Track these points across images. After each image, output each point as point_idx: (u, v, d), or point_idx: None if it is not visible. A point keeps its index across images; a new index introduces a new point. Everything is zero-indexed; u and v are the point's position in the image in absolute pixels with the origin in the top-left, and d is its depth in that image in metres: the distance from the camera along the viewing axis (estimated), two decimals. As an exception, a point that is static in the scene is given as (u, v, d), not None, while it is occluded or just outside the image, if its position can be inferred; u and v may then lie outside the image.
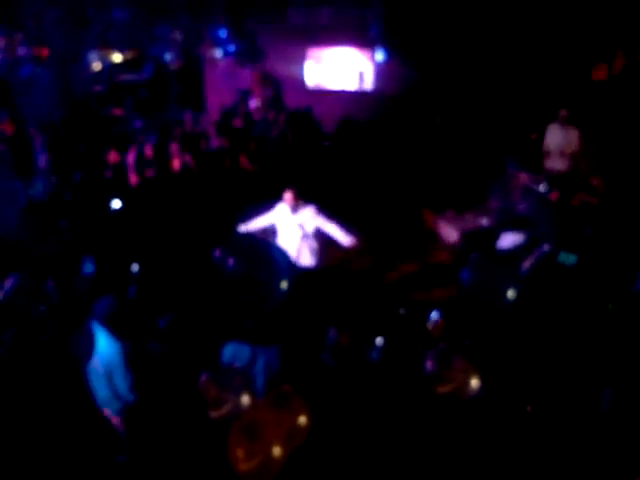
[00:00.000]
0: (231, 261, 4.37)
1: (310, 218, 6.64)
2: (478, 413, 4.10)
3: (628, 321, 5.36)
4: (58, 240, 6.61)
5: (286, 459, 3.81)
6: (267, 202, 6.83)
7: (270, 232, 6.81)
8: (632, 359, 4.73)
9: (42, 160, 9.04)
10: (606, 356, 4.94)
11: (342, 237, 6.46)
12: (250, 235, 6.68)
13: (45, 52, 12.58)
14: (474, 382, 3.91)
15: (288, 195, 6.61)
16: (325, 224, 6.57)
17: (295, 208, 6.62)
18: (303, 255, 6.67)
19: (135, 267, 6.58)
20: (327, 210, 6.80)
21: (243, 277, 4.34)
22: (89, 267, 6.39)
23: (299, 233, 6.64)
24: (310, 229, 6.66)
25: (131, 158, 9.44)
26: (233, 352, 4.90)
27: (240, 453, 3.69)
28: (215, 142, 10.37)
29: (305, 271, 6.58)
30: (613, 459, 3.86)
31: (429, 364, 4.02)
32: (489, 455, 4.16)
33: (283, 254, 4.65)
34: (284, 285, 4.24)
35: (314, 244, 6.75)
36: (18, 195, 7.96)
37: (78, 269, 6.39)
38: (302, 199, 6.67)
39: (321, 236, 6.68)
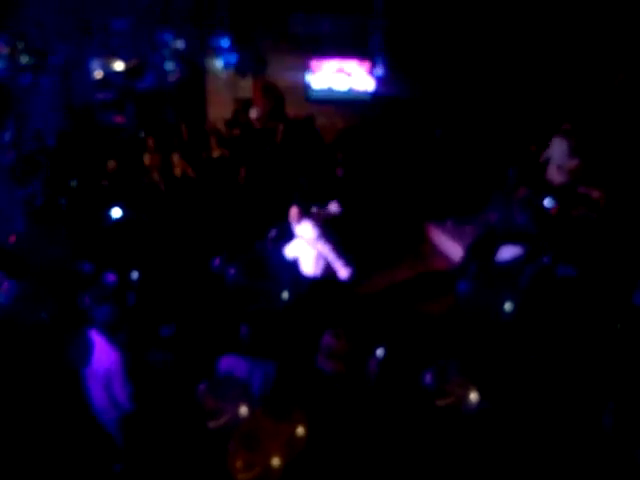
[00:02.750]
0: (232, 271, 4.38)
1: (310, 231, 6.83)
2: (477, 427, 4.09)
3: (629, 335, 5.36)
4: (59, 247, 6.62)
5: (284, 469, 3.81)
6: (268, 213, 6.92)
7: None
8: (634, 374, 4.73)
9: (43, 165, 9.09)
10: (607, 371, 4.93)
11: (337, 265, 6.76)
12: (251, 245, 6.72)
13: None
14: (473, 396, 3.91)
15: (293, 211, 6.88)
16: (321, 245, 6.80)
17: (298, 222, 6.86)
18: (307, 264, 6.82)
19: (135, 275, 6.58)
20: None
21: (244, 287, 4.36)
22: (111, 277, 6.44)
23: (304, 244, 6.84)
24: (311, 241, 6.84)
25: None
26: (231, 363, 4.89)
27: (239, 463, 3.68)
28: (215, 152, 10.37)
29: (308, 280, 6.67)
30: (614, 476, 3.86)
31: (428, 377, 4.02)
32: (488, 469, 4.15)
33: (284, 264, 4.66)
34: (285, 296, 4.25)
35: (318, 254, 6.88)
36: (19, 203, 7.98)
37: (79, 276, 6.39)
38: (305, 214, 6.91)
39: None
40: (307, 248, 6.82)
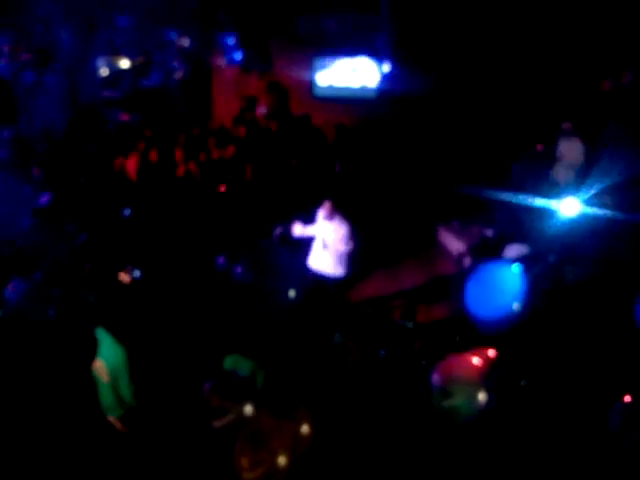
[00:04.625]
0: (239, 269, 4.37)
1: (337, 227, 6.54)
2: (484, 426, 4.09)
3: (634, 336, 5.34)
4: (66, 245, 6.63)
5: (290, 467, 3.81)
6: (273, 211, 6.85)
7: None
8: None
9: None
10: (613, 371, 4.92)
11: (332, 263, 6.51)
12: (258, 243, 6.67)
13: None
14: (481, 396, 3.90)
15: (326, 205, 6.54)
16: (339, 239, 6.56)
17: (330, 217, 6.54)
18: (330, 264, 6.57)
19: (137, 273, 6.58)
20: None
21: (251, 285, 4.35)
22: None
23: (330, 241, 6.51)
24: (336, 239, 6.53)
25: (132, 164, 9.46)
26: (236, 362, 4.89)
27: (245, 462, 3.69)
28: (219, 151, 10.34)
29: (328, 280, 6.47)
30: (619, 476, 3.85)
31: (435, 378, 4.01)
32: (494, 469, 4.15)
33: (291, 262, 4.64)
34: (292, 294, 4.24)
35: (342, 254, 6.56)
36: (26, 200, 7.98)
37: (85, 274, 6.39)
38: (338, 210, 6.59)
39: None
40: (329, 246, 6.49)
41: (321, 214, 6.59)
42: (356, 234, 6.57)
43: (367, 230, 7.94)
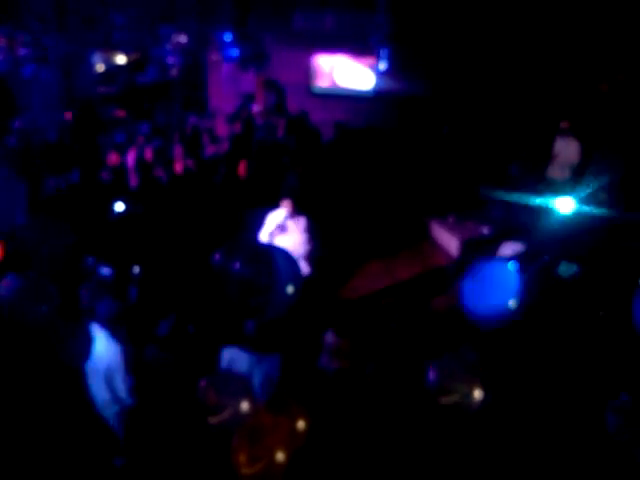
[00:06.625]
0: (236, 265, 4.34)
1: (300, 228, 6.66)
2: (481, 424, 4.08)
3: (631, 333, 5.35)
4: (61, 240, 6.60)
5: (288, 463, 3.80)
6: (265, 207, 6.85)
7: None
8: (636, 373, 4.72)
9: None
10: (610, 370, 4.93)
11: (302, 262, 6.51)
12: (254, 238, 6.66)
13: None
14: (477, 393, 3.90)
15: (286, 203, 6.67)
16: (303, 242, 6.63)
17: (291, 216, 6.66)
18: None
19: (136, 269, 6.57)
20: (327, 215, 6.83)
21: (247, 281, 4.31)
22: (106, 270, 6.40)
23: (294, 240, 6.62)
24: (300, 238, 6.66)
25: (130, 160, 9.43)
26: (232, 358, 4.88)
27: (243, 458, 3.68)
28: (210, 149, 10.32)
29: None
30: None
31: (431, 374, 4.00)
32: (490, 467, 4.15)
33: (289, 258, 4.61)
34: (290, 290, 4.21)
35: (308, 252, 6.69)
36: (22, 195, 7.95)
37: (80, 270, 6.37)
38: (298, 209, 6.70)
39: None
40: (292, 244, 6.54)
41: (282, 212, 6.66)
42: (316, 233, 6.65)
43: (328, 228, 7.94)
